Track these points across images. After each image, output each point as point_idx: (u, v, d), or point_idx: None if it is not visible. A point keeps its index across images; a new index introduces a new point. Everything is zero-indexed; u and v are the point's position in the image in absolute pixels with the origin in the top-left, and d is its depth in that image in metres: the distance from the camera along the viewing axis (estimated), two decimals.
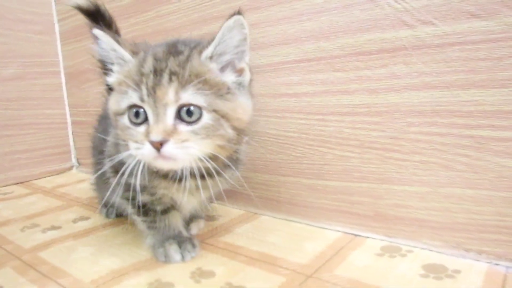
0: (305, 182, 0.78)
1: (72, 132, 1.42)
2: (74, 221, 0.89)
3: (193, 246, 0.66)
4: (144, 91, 0.49)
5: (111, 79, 0.55)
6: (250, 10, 0.81)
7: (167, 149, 0.48)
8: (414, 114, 0.64)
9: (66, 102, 1.41)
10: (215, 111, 0.51)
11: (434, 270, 0.59)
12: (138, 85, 0.50)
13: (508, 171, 0.57)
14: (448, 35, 0.59)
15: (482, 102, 0.58)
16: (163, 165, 0.52)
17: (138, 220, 0.67)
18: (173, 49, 0.53)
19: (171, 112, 0.49)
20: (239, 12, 0.51)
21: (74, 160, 1.44)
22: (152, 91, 0.49)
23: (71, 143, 1.43)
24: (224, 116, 0.51)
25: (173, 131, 0.49)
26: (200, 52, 0.53)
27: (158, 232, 0.66)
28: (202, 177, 0.55)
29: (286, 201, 0.82)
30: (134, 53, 0.54)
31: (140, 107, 0.50)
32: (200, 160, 0.52)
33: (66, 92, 1.40)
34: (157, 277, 0.60)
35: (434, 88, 0.61)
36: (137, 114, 0.50)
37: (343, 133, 0.72)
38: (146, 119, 0.50)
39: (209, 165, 0.53)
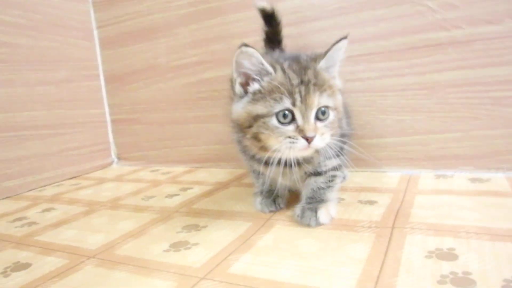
0: (368, 142, 1.10)
1: (112, 130, 1.56)
2: (183, 190, 1.09)
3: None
4: (298, 98, 0.64)
5: (255, 87, 0.67)
6: (320, 19, 1.11)
7: (315, 142, 0.65)
8: (451, 86, 0.99)
9: (105, 102, 1.54)
10: (335, 108, 0.69)
11: (476, 180, 0.94)
12: (291, 93, 0.64)
13: None
14: (472, 34, 0.95)
15: (495, 75, 0.94)
16: (305, 153, 0.69)
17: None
18: (303, 63, 0.69)
19: (313, 114, 0.65)
20: (345, 37, 0.70)
21: (113, 156, 1.57)
22: (304, 99, 0.64)
23: (111, 140, 1.56)
24: (336, 110, 0.70)
25: (315, 128, 0.65)
26: (318, 64, 0.69)
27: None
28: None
29: (353, 157, 1.12)
30: (273, 66, 0.67)
31: (291, 110, 0.64)
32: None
33: (105, 93, 1.54)
34: None
35: (463, 68, 0.97)
36: (285, 116, 0.64)
37: (399, 103, 1.05)
38: (292, 120, 0.65)
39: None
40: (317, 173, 0.80)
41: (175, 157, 1.43)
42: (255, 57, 0.66)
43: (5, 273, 0.65)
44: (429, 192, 0.89)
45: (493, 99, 0.96)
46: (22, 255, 0.73)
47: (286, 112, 0.64)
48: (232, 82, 0.71)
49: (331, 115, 0.69)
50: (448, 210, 0.76)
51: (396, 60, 1.04)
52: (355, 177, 1.06)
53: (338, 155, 0.76)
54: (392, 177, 1.04)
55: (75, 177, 1.41)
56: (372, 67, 1.07)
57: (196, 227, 0.79)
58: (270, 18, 1.00)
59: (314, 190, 0.80)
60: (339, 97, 0.73)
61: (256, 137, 0.67)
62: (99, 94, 1.53)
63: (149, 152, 1.49)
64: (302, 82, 0.65)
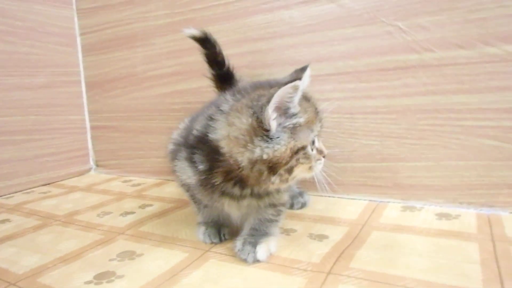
0: (337, 165, 1.03)
1: (91, 137, 1.54)
2: (142, 207, 1.06)
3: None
4: (319, 125, 0.68)
5: (298, 120, 0.63)
6: (290, 35, 1.05)
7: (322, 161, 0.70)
8: (421, 111, 0.92)
9: (86, 109, 1.52)
10: None
11: (444, 216, 0.87)
12: (319, 120, 0.68)
13: (486, 147, 0.87)
14: (443, 58, 0.88)
15: (467, 103, 0.87)
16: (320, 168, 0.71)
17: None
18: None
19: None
20: (308, 65, 0.75)
21: (92, 163, 1.55)
22: (322, 123, 0.69)
23: (90, 146, 1.54)
24: None
25: None
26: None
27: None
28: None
29: (319, 181, 1.06)
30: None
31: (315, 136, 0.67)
32: None
33: (86, 99, 1.52)
34: None
35: (434, 93, 0.90)
36: (313, 143, 0.66)
37: (368, 127, 0.98)
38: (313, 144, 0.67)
39: None
40: (270, 205, 0.76)
41: (149, 168, 1.40)
42: (301, 91, 0.62)
43: None
44: (388, 227, 0.82)
45: (465, 127, 0.88)
46: None
47: (314, 139, 0.67)
48: (256, 121, 0.62)
49: None
50: (398, 253, 0.70)
51: (365, 82, 0.97)
52: (318, 203, 1.00)
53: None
54: (357, 205, 0.98)
55: (49, 183, 1.39)
56: (340, 88, 1.00)
57: (131, 255, 0.75)
58: (203, 42, 0.96)
59: (261, 221, 0.76)
60: None
61: (290, 170, 0.64)
62: (80, 100, 1.51)
63: (124, 161, 1.47)
64: (316, 109, 0.68)
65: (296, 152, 0.63)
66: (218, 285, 0.62)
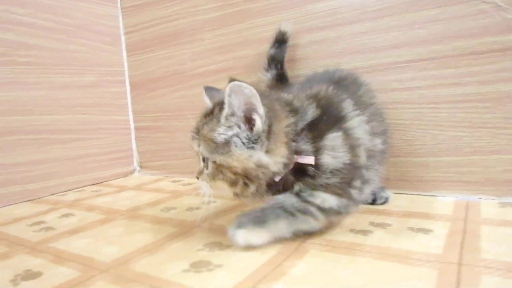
0: (416, 160, 0.89)
1: (135, 137, 1.40)
2: (206, 203, 0.92)
3: None
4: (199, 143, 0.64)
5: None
6: (360, 21, 0.91)
7: (198, 182, 0.66)
8: None
9: (130, 109, 1.39)
10: (214, 161, 0.60)
11: None
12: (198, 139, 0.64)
13: None
14: None
15: None
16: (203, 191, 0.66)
17: None
18: (209, 112, 0.65)
19: (201, 159, 0.64)
20: (232, 79, 0.56)
21: (136, 164, 1.42)
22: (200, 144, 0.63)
23: (134, 147, 1.41)
24: (220, 165, 0.59)
25: (200, 172, 0.65)
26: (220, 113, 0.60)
27: None
28: None
29: (396, 178, 0.91)
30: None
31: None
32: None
33: (130, 99, 1.39)
34: None
35: None
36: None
37: (455, 117, 0.84)
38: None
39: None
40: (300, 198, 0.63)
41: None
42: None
43: (15, 281, 0.56)
44: (497, 222, 0.68)
45: None
46: (35, 263, 0.62)
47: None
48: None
49: (210, 165, 0.61)
50: None
51: (453, 67, 0.83)
52: (398, 200, 0.85)
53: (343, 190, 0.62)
54: (444, 202, 0.83)
55: (96, 183, 1.26)
56: (423, 75, 0.86)
57: (219, 246, 0.65)
58: (282, 41, 0.94)
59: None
60: (235, 153, 0.58)
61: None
62: (124, 101, 1.38)
63: (170, 162, 1.33)
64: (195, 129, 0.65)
65: None
66: (331, 277, 0.51)
